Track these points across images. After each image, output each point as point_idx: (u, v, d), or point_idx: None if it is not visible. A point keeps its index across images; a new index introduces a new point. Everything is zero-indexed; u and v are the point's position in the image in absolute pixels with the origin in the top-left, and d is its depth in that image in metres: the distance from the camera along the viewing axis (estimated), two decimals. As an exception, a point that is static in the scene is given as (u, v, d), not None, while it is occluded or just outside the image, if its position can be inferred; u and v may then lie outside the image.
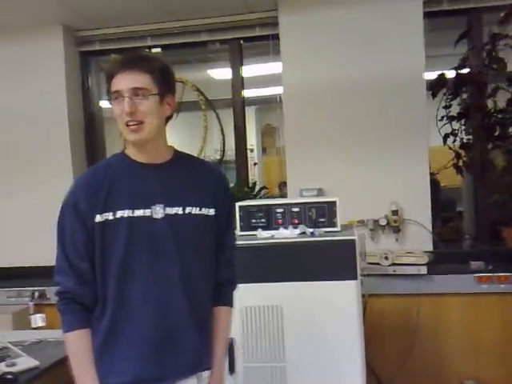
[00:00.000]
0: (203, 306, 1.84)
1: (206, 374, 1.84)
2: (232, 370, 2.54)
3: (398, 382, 3.34)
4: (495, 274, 3.42)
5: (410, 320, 3.50)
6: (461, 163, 3.88)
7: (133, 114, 1.68)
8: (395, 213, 3.69)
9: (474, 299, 3.47)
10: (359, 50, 3.75)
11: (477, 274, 3.45)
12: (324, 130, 3.83)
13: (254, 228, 2.84)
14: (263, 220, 2.87)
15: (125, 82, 1.69)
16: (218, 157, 4.57)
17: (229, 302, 1.96)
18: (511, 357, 3.41)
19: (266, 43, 4.12)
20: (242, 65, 4.26)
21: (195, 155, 3.83)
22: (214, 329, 1.88)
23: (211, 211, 1.82)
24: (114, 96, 1.71)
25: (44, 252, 3.12)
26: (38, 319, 3.23)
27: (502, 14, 3.69)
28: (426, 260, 3.50)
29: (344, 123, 3.80)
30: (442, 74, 3.76)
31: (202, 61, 5.05)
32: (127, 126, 1.70)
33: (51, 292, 3.70)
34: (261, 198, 4.22)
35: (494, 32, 3.64)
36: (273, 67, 4.13)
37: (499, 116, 3.76)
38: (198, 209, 1.79)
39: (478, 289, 3.44)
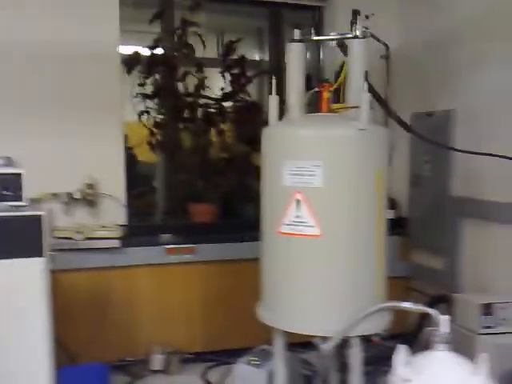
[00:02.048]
0: None
1: None
2: None
3: (91, 353, 3.36)
4: (181, 246, 3.71)
5: (103, 293, 3.54)
6: (154, 141, 4.07)
7: None
8: (90, 186, 3.66)
9: (164, 269, 3.70)
10: (55, 15, 3.55)
11: (166, 246, 3.70)
12: (13, 94, 3.53)
13: None
14: None
15: None
16: None
17: None
18: (194, 320, 3.77)
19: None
20: None
21: None
22: None
23: None
24: None
25: None
26: None
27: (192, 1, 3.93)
28: (119, 234, 3.59)
29: (36, 91, 3.57)
30: (137, 52, 3.84)
31: None
32: None
33: None
34: None
35: (184, 18, 3.88)
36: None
37: (188, 99, 4.05)
38: None
39: (167, 260, 3.69)
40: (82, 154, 3.65)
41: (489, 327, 2.96)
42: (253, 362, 2.89)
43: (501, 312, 2.98)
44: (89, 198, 3.67)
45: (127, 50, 3.87)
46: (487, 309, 2.97)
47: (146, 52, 3.98)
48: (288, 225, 2.38)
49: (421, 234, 4.02)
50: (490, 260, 3.38)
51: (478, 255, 3.50)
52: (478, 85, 3.46)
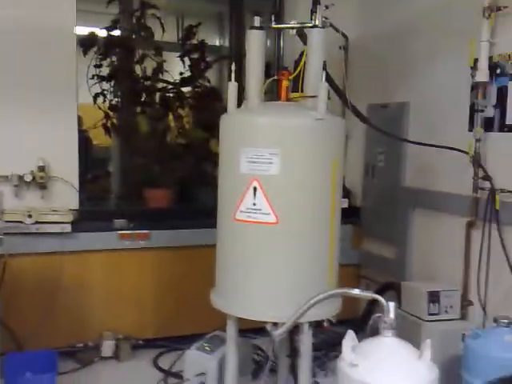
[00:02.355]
0: None
1: None
2: None
3: (40, 339, 3.29)
4: (135, 232, 3.67)
5: (53, 278, 3.47)
6: (109, 124, 4.00)
7: None
8: (41, 169, 3.56)
9: (117, 255, 3.65)
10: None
11: (120, 232, 3.64)
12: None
13: None
14: None
15: None
16: None
17: None
18: (145, 306, 3.74)
19: None
20: None
21: None
22: None
23: None
24: None
25: None
26: None
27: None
28: (70, 218, 3.51)
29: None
30: (93, 33, 3.75)
31: None
32: None
33: None
34: None
35: (143, 0, 3.82)
36: None
37: (146, 83, 3.99)
38: None
39: (121, 245, 3.64)
40: (33, 135, 3.53)
41: (435, 314, 3.06)
42: (205, 348, 2.90)
43: (446, 300, 3.09)
44: (40, 181, 3.57)
45: (84, 30, 3.77)
46: (433, 296, 3.06)
47: (103, 33, 3.90)
48: (244, 212, 2.38)
49: (373, 223, 4.11)
50: (439, 249, 3.49)
51: (427, 245, 3.60)
52: (431, 78, 3.55)
